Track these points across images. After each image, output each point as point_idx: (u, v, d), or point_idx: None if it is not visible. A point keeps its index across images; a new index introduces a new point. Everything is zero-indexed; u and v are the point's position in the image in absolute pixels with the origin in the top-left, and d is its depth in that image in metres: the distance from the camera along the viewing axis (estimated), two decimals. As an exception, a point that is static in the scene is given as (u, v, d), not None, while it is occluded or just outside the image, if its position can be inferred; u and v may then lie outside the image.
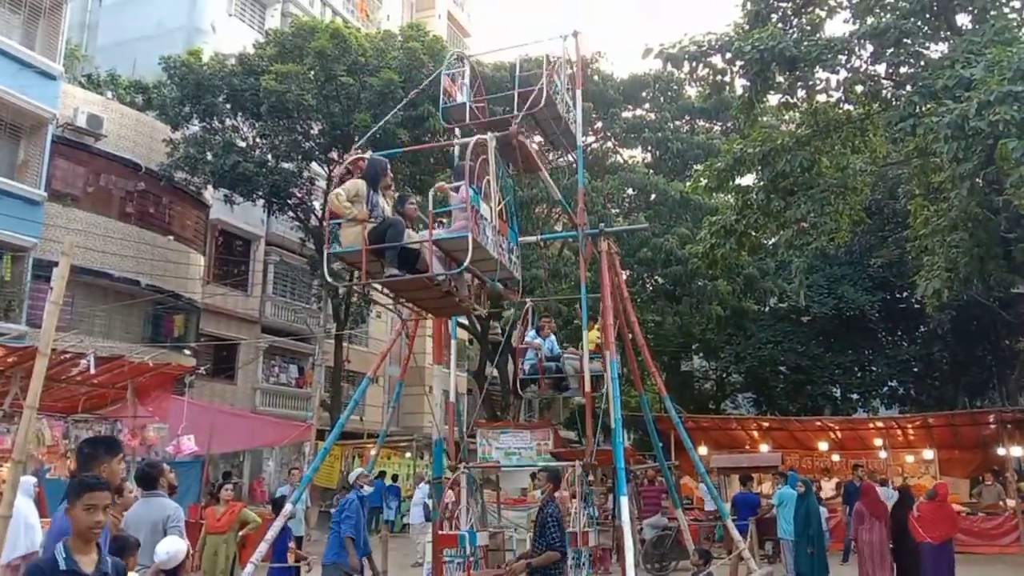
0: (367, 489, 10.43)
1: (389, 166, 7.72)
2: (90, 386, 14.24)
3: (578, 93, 10.59)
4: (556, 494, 8.52)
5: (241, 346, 27.85)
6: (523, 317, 12.20)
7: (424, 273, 6.90)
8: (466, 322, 27.61)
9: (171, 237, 25.41)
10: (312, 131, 24.91)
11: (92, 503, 3.82)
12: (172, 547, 5.79)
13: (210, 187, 25.72)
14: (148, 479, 6.55)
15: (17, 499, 5.15)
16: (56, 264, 8.41)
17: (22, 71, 21.00)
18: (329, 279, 8.66)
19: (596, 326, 11.14)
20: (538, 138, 11.50)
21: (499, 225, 7.57)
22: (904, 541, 11.43)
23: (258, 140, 25.04)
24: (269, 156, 24.78)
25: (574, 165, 12.27)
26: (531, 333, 11.72)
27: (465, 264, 6.73)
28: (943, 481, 15.64)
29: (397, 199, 7.61)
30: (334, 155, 25.85)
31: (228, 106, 24.64)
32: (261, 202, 26.19)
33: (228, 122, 25.14)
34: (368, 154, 7.65)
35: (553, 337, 11.77)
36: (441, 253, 7.06)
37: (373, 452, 15.38)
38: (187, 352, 24.17)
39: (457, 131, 10.45)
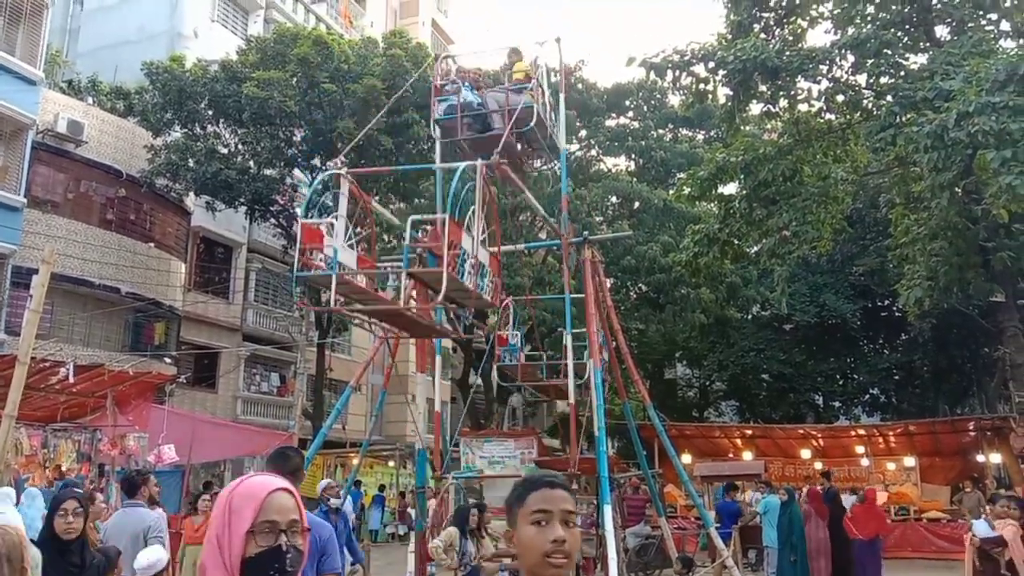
0: (334, 502, 10.14)
1: (476, 512, 8.89)
2: (69, 395, 14.05)
3: (562, 99, 10.56)
4: None
5: (222, 354, 27.63)
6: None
7: None
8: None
9: (152, 244, 25.17)
10: (295, 138, 24.80)
11: (543, 509, 2.00)
12: (153, 556, 5.77)
13: (192, 194, 25.54)
14: (132, 486, 6.52)
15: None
16: (35, 271, 8.30)
17: (1, 76, 20.81)
18: None
19: (524, 61, 10.16)
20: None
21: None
22: (835, 534, 12.89)
23: (240, 147, 24.89)
24: (251, 163, 24.65)
25: (557, 171, 12.21)
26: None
27: None
28: (872, 487, 16.58)
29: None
30: (316, 162, 25.76)
31: (210, 112, 24.50)
32: (243, 209, 26.05)
33: (210, 128, 25.00)
34: None
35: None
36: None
37: (356, 461, 15.29)
38: (168, 360, 23.94)
39: (438, 148, 10.34)
